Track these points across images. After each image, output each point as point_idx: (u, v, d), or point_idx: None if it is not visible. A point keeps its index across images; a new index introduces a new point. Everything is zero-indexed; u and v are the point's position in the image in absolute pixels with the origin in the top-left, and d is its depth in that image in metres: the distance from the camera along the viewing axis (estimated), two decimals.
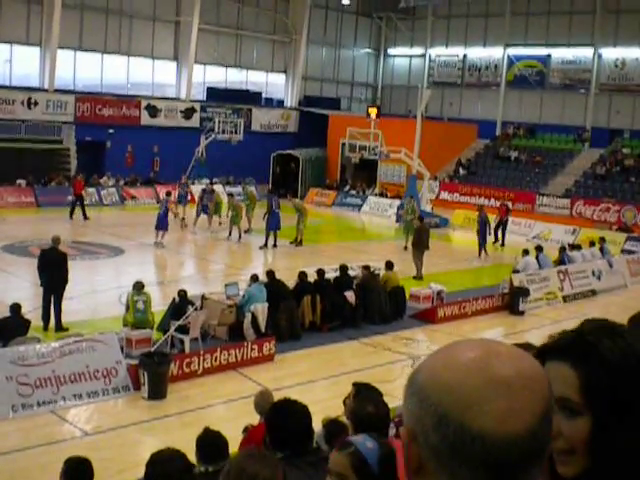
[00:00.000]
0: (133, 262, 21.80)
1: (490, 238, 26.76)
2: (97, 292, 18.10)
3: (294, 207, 25.50)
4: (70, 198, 29.37)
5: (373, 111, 34.40)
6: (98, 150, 35.88)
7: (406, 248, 23.34)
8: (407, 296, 17.42)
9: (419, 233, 21.49)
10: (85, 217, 28.56)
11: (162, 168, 37.35)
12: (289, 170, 39.94)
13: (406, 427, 1.23)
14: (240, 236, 25.17)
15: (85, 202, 29.76)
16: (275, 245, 24.44)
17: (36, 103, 34.18)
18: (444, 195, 38.32)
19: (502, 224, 28.08)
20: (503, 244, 27.85)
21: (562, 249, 22.98)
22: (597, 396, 1.35)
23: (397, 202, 33.48)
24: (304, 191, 38.91)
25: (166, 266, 22.58)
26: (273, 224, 24.15)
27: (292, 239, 25.23)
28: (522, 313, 18.77)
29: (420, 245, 20.97)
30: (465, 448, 1.16)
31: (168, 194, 25.54)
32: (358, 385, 5.55)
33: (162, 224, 23.71)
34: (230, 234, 25.57)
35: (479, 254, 25.52)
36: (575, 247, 23.77)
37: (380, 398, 4.97)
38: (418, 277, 20.72)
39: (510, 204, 32.36)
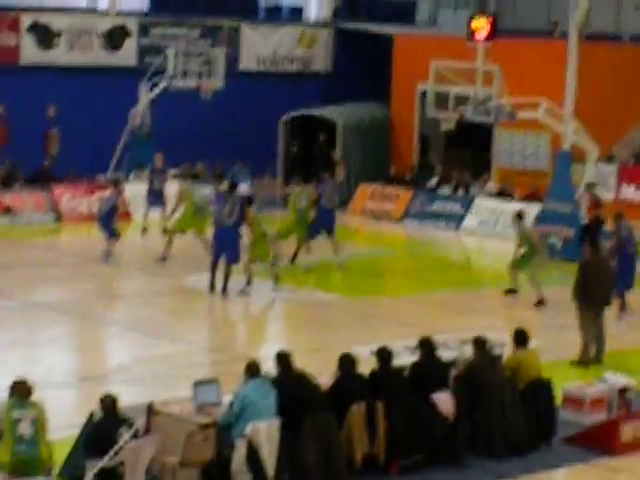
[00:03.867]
0: (5, 338, 17.74)
1: None
2: None
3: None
4: None
5: (481, 25, 25.63)
6: None
7: (540, 303, 19.83)
8: (559, 399, 14.11)
9: (586, 272, 16.61)
10: None
11: (64, 150, 27.95)
12: (317, 148, 31.49)
13: None
14: (249, 281, 20.46)
15: None
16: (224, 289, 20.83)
17: None
18: (628, 192, 28.00)
19: None
20: None
21: None
22: None
23: (535, 208, 26.19)
24: (348, 189, 29.50)
25: (76, 344, 18.86)
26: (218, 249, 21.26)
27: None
28: None
29: (589, 296, 16.40)
30: None
31: (116, 183, 23.29)
32: None
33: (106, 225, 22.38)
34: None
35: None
36: None
37: None
38: (583, 361, 16.78)
39: None
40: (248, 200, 20.85)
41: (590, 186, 24.82)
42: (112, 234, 22.01)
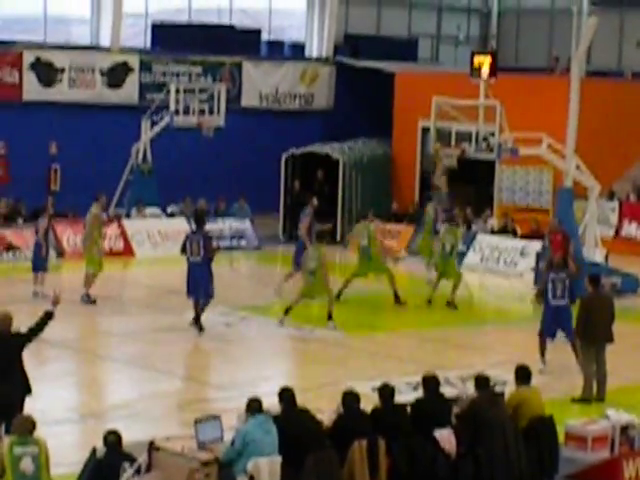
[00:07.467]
0: None
1: None
2: None
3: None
4: None
5: (483, 62, 26.06)
6: None
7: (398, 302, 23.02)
8: (561, 437, 14.09)
9: (588, 308, 16.71)
10: None
11: (66, 186, 28.44)
12: (318, 185, 30.96)
13: None
14: (287, 311, 20.99)
15: None
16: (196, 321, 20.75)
17: None
18: (629, 228, 28.95)
19: None
20: None
21: None
22: None
23: (536, 245, 26.48)
24: (347, 225, 29.97)
25: (77, 380, 18.77)
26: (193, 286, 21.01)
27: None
28: None
29: (590, 332, 16.70)
30: None
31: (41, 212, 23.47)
32: None
33: (38, 261, 22.51)
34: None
35: None
36: None
37: None
38: (586, 398, 16.92)
39: None
40: (208, 237, 21.06)
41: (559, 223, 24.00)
42: (39, 268, 21.89)
